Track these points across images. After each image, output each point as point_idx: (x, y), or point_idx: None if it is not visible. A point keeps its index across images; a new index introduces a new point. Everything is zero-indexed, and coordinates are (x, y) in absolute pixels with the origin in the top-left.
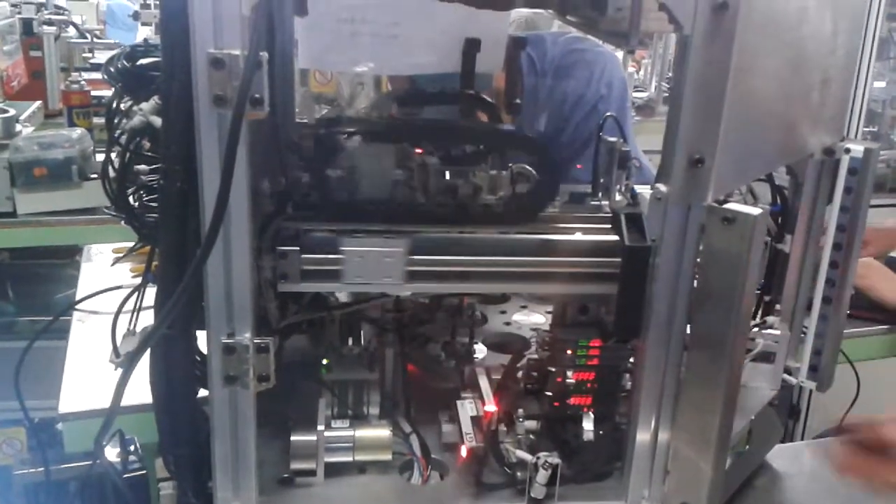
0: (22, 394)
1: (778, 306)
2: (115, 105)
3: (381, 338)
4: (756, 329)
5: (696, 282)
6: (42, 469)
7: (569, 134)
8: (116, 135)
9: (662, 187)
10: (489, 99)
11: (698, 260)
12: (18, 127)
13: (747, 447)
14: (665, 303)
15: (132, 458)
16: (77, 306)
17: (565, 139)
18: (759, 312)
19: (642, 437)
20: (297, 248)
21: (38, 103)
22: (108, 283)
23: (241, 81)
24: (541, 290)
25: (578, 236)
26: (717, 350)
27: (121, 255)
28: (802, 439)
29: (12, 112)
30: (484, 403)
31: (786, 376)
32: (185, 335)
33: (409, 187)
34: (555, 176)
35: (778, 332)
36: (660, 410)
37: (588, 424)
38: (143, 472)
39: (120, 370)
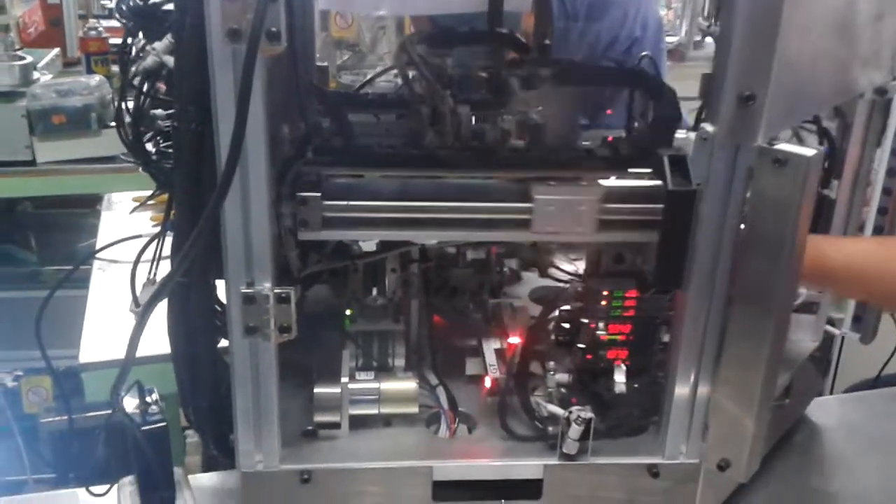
0: (45, 343)
1: None
2: (127, 46)
3: (407, 288)
4: None
5: (743, 228)
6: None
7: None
8: (130, 77)
9: (709, 127)
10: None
11: (746, 205)
12: (36, 74)
13: (786, 401)
14: (709, 251)
15: (153, 409)
16: (97, 255)
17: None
18: None
19: (681, 390)
20: (318, 195)
21: (56, 51)
22: (129, 231)
23: (255, 12)
24: (568, 239)
25: (611, 181)
26: (764, 302)
27: (139, 203)
28: (832, 393)
29: (29, 59)
30: (508, 337)
31: (828, 327)
32: (204, 284)
33: (436, 132)
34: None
35: None
36: (700, 363)
37: (622, 378)
38: (164, 423)
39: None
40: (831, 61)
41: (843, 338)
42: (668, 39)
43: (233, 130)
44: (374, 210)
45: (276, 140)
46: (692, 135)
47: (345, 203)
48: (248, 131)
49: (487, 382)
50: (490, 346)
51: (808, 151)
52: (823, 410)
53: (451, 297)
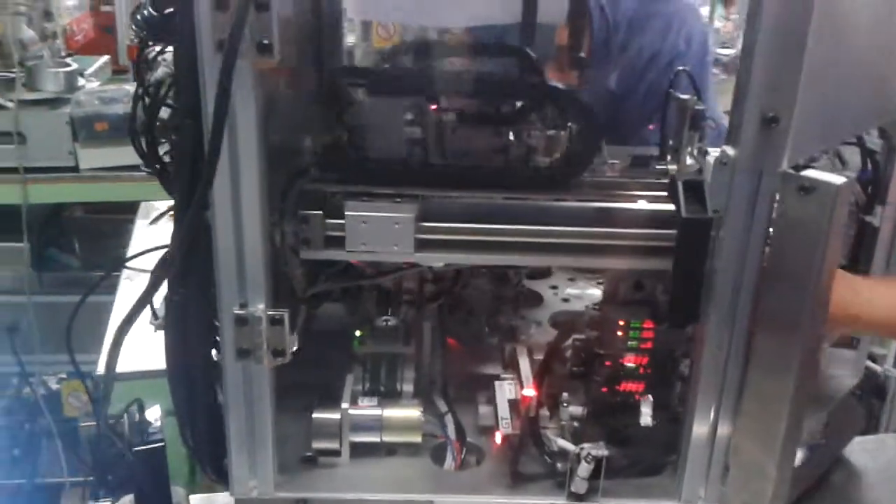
0: (86, 347)
1: None
2: (142, 56)
3: (420, 310)
4: None
5: (766, 259)
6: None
7: (642, 92)
8: (144, 87)
9: (730, 150)
10: (531, 52)
11: (770, 234)
12: (81, 81)
13: (822, 440)
14: (730, 282)
15: (153, 427)
16: (127, 264)
17: (638, 98)
18: None
19: (700, 429)
20: (320, 212)
21: (105, 58)
22: (160, 240)
23: (233, 20)
24: (579, 264)
25: (625, 204)
26: (789, 336)
27: (160, 213)
28: (887, 430)
29: (75, 66)
30: (524, 386)
31: (870, 364)
32: (201, 300)
33: (442, 148)
34: (591, 137)
35: None
36: (720, 400)
37: (639, 414)
38: (160, 443)
39: (159, 332)
40: (869, 78)
41: None
42: (725, 52)
43: (209, 143)
44: None
45: (286, 154)
46: (711, 158)
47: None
48: (240, 146)
49: (498, 438)
50: (504, 394)
51: (837, 179)
52: (865, 450)
53: (465, 321)
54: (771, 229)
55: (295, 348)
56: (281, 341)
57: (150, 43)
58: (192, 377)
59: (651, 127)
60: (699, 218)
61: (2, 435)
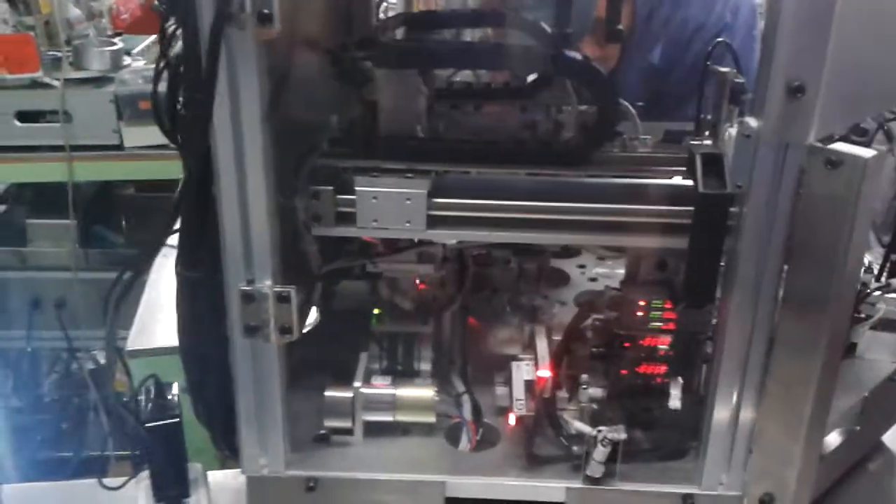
0: (124, 324)
1: None
2: (163, 31)
3: (439, 288)
4: (879, 293)
5: (792, 236)
6: None
7: (686, 67)
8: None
9: (753, 122)
10: (542, 23)
11: (796, 210)
12: (127, 60)
13: (857, 427)
14: (753, 260)
15: (170, 403)
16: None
17: (683, 72)
18: (885, 273)
19: (721, 413)
20: (331, 188)
21: (153, 37)
22: None
23: None
24: (597, 241)
25: (647, 180)
26: (816, 316)
27: None
28: None
29: (120, 45)
30: (540, 367)
31: None
32: (213, 276)
33: (456, 123)
34: (608, 111)
35: None
36: (743, 383)
37: (660, 397)
38: (176, 419)
39: None
40: None
41: None
42: None
43: (198, 114)
44: None
45: (304, 129)
46: (733, 129)
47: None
48: (244, 120)
49: (512, 420)
50: (520, 374)
51: (866, 152)
52: None
53: (488, 299)
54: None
55: (310, 326)
56: (288, 319)
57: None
58: (204, 353)
59: None
60: (717, 193)
61: (52, 409)
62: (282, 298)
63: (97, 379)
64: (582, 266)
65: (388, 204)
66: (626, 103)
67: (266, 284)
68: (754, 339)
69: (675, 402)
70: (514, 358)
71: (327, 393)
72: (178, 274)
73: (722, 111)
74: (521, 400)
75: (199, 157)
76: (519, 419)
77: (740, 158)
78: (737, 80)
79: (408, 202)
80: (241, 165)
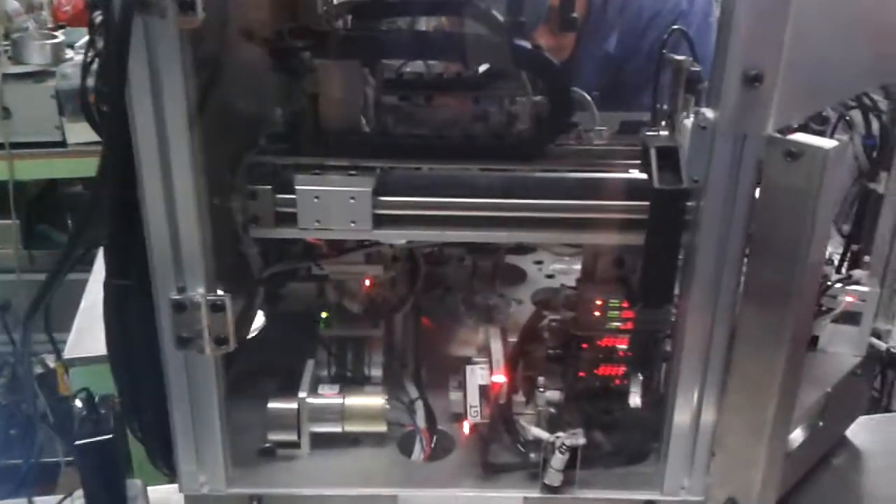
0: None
1: (867, 258)
2: (93, 21)
3: (389, 289)
4: (839, 285)
5: (752, 230)
6: None
7: (643, 55)
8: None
9: (709, 113)
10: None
11: (755, 203)
12: (70, 53)
13: (820, 423)
14: (712, 255)
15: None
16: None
17: (640, 61)
18: (845, 265)
19: (682, 414)
20: (269, 187)
21: None
22: None
23: None
24: (550, 239)
25: (602, 174)
26: (778, 312)
27: None
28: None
29: (61, 38)
30: (495, 371)
31: (874, 340)
32: (143, 284)
33: (401, 117)
34: (561, 102)
35: (866, 289)
36: (704, 382)
37: (620, 398)
38: (110, 435)
39: None
40: (870, 32)
41: None
42: None
43: (111, 108)
44: None
45: (242, 124)
46: (689, 121)
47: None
48: (168, 114)
49: (466, 428)
50: (474, 379)
51: (827, 143)
52: (867, 431)
53: (441, 299)
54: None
55: (255, 331)
56: (224, 328)
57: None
58: (136, 366)
59: None
60: (673, 189)
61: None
62: (216, 307)
63: (45, 384)
64: (539, 262)
65: (331, 203)
66: (583, 93)
67: (198, 293)
68: (714, 336)
69: (634, 399)
70: (469, 361)
71: (271, 404)
72: (105, 283)
73: (678, 100)
74: (475, 406)
75: (119, 153)
76: (473, 426)
77: (696, 151)
78: (693, 69)
79: (352, 201)
80: (166, 164)
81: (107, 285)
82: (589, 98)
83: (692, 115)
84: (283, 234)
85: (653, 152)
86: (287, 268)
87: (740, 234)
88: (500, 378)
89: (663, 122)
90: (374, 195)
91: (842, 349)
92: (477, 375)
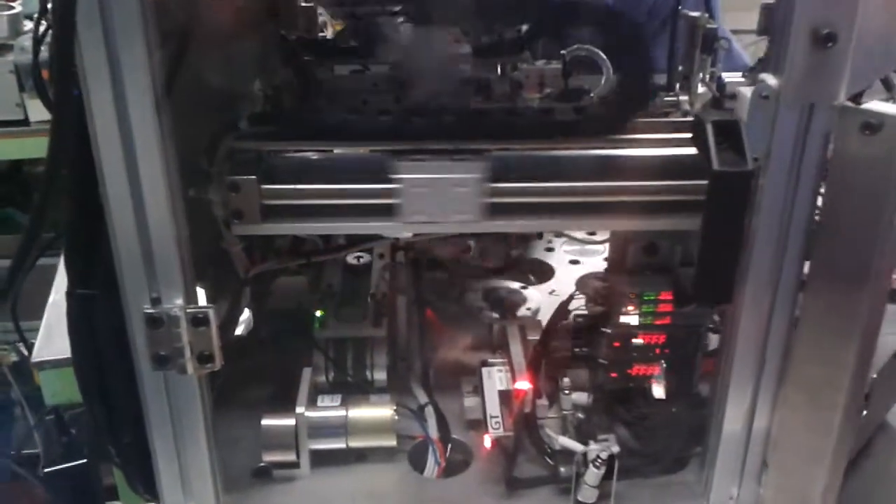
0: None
1: None
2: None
3: (393, 281)
4: None
5: (821, 212)
6: None
7: (645, 11)
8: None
9: (771, 80)
10: None
11: (823, 182)
12: (29, 25)
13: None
14: (772, 241)
15: (76, 437)
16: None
17: (641, 16)
18: None
19: (733, 420)
20: (254, 177)
21: None
22: None
23: None
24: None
25: (644, 150)
26: (849, 302)
27: None
28: None
29: (19, 9)
30: (516, 376)
31: None
32: (112, 294)
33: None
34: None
35: None
36: (758, 384)
37: (656, 400)
38: (82, 461)
39: None
40: None
41: None
42: None
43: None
44: (330, 195)
45: (221, 103)
46: (747, 90)
47: (291, 187)
48: (129, 94)
49: (487, 441)
50: (493, 384)
51: None
52: None
53: (448, 290)
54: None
55: (242, 331)
56: (208, 344)
57: None
58: (108, 384)
59: None
60: (737, 171)
61: None
62: (198, 321)
63: (19, 372)
64: (550, 249)
65: (435, 193)
66: (598, 51)
67: (176, 304)
68: (772, 329)
69: (658, 391)
70: (484, 363)
71: (265, 421)
72: (67, 292)
73: (694, 61)
74: (496, 417)
75: (68, 140)
76: (495, 441)
77: (756, 124)
78: (708, 26)
79: (459, 189)
80: (130, 153)
81: (69, 296)
82: (601, 54)
83: (708, 76)
84: (272, 230)
85: (709, 128)
86: (276, 266)
87: (805, 215)
88: (525, 385)
89: (678, 86)
90: (486, 182)
91: (886, 329)
92: (495, 379)
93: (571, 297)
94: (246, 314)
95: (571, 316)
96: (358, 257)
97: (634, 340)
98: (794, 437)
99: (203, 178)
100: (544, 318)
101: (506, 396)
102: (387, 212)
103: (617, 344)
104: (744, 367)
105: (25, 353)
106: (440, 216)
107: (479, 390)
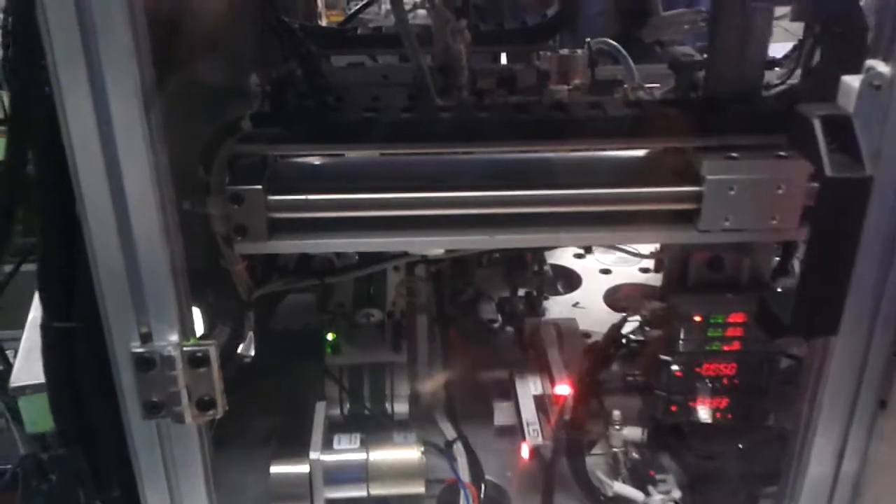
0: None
1: None
2: None
3: (411, 299)
4: None
5: None
6: None
7: None
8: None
9: (882, 67)
10: None
11: None
12: None
13: None
14: (876, 255)
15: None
16: None
17: None
18: None
19: (820, 460)
20: (259, 187)
21: None
22: None
23: None
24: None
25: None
26: None
27: None
28: None
29: None
30: (554, 382)
31: None
32: (95, 326)
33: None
34: None
35: None
36: (850, 425)
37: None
38: None
39: None
40: None
41: None
42: None
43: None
44: (349, 206)
45: (212, 101)
46: (853, 79)
47: (303, 198)
48: (110, 87)
49: (525, 451)
50: (527, 391)
51: None
52: None
53: (473, 308)
54: None
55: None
56: (209, 387)
57: None
58: (92, 430)
59: None
60: (855, 178)
61: None
62: (196, 360)
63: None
64: (580, 255)
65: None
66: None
67: (170, 341)
68: (870, 358)
69: (703, 414)
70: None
71: (274, 469)
72: (42, 326)
73: None
74: (533, 424)
75: (44, 152)
76: (533, 450)
77: (865, 119)
78: None
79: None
80: (112, 160)
81: (44, 329)
82: (619, 47)
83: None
84: (281, 247)
85: (817, 125)
86: (284, 288)
87: None
88: (565, 389)
89: None
90: None
91: None
92: (529, 385)
93: (625, 319)
94: (248, 337)
95: (625, 342)
96: None
97: (698, 369)
98: (893, 478)
99: (200, 189)
100: None
101: (542, 402)
102: (424, 224)
103: (679, 374)
104: (836, 400)
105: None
106: None
107: (510, 395)
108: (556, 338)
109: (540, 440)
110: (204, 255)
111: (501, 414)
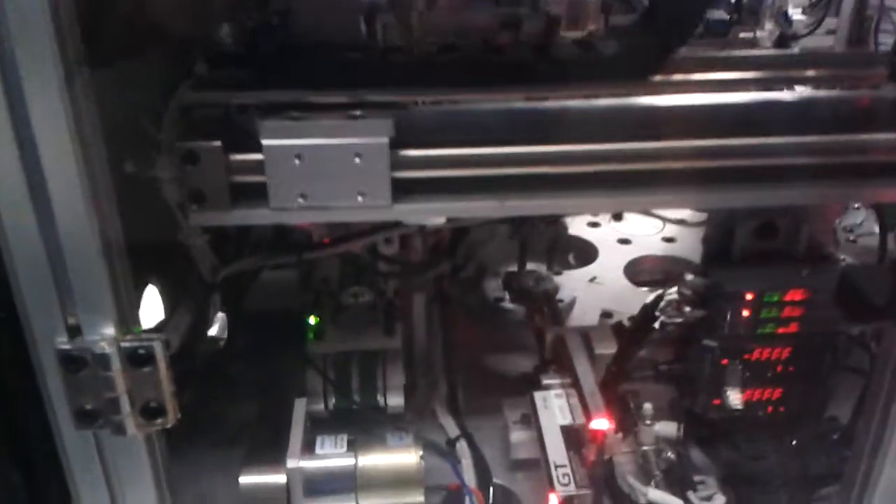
0: None
1: None
2: None
3: (406, 278)
4: None
5: None
6: None
7: None
8: None
9: None
10: None
11: None
12: None
13: None
14: None
15: None
16: None
17: None
18: None
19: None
20: (219, 143)
21: None
22: None
23: None
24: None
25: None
26: None
27: None
28: None
29: None
30: (588, 413)
31: None
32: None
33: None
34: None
35: None
36: None
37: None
38: None
39: None
40: None
41: None
42: None
43: None
44: None
45: (162, 43)
46: None
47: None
48: (11, 28)
49: (553, 501)
50: (552, 419)
51: None
52: None
53: (476, 285)
54: None
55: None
56: (156, 391)
57: None
58: (22, 438)
59: None
60: None
61: None
62: (138, 359)
63: None
64: (595, 224)
65: (324, 165)
66: None
67: (104, 335)
68: None
69: (734, 398)
70: (533, 380)
71: (244, 479)
72: None
73: None
74: (563, 467)
75: None
76: (563, 501)
77: None
78: None
79: (357, 160)
80: (21, 115)
81: None
82: None
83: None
84: (243, 218)
85: None
86: (255, 265)
87: None
88: (604, 424)
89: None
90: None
91: None
92: (554, 409)
93: (660, 298)
94: (219, 318)
95: (659, 323)
96: None
97: (747, 356)
98: None
99: (147, 147)
100: (580, 312)
101: (572, 436)
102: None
103: (725, 361)
104: None
105: None
106: None
107: (527, 420)
108: (586, 351)
109: (573, 489)
110: (160, 228)
111: (521, 447)
